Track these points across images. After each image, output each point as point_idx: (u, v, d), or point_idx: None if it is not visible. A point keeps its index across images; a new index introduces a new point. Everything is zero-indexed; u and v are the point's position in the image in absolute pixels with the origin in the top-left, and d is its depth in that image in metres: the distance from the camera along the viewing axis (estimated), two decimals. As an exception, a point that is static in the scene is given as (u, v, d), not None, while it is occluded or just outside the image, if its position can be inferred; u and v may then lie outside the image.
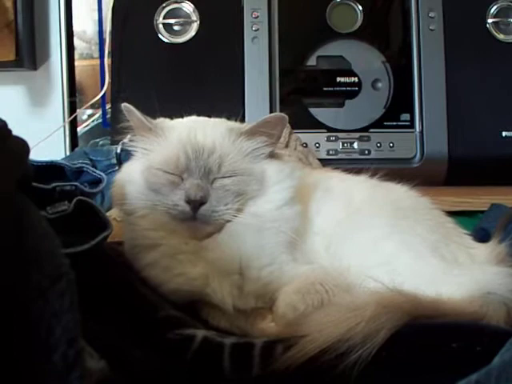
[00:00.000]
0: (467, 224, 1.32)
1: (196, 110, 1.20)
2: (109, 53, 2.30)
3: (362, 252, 1.07)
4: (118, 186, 1.13)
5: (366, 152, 2.09)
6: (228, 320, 1.06)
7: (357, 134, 2.10)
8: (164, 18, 2.17)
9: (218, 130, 1.10)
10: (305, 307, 0.99)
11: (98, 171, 1.21)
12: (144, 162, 1.10)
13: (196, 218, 1.03)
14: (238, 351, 0.87)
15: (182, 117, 1.19)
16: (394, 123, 2.11)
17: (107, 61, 2.32)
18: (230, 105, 1.91)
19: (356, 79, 2.13)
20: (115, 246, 1.14)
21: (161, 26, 2.16)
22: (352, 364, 0.80)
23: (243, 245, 1.05)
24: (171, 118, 1.18)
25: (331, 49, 2.15)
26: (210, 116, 1.18)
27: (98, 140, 2.48)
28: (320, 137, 2.09)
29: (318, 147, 2.08)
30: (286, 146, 1.84)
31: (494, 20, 2.14)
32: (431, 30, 2.12)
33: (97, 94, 2.37)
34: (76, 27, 2.50)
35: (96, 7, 2.48)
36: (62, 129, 2.44)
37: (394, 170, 1.24)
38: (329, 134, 2.10)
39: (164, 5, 2.17)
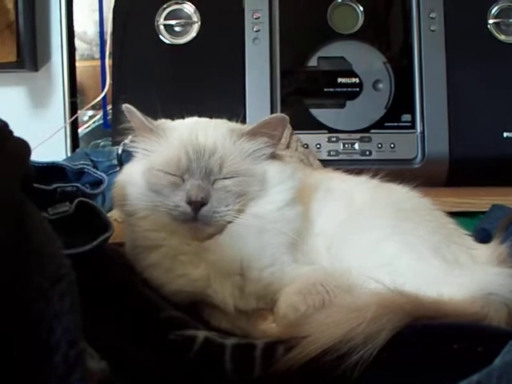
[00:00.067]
0: (468, 225, 1.32)
1: (197, 110, 1.20)
2: (110, 54, 2.31)
3: (364, 253, 1.07)
4: (119, 187, 1.13)
5: (367, 153, 2.09)
6: (229, 321, 1.06)
7: (358, 135, 2.10)
8: (165, 19, 2.17)
9: (219, 130, 1.10)
10: (306, 308, 0.99)
11: (99, 172, 1.21)
12: (145, 163, 1.10)
13: (197, 218, 1.03)
14: (240, 352, 0.87)
15: (183, 118, 1.19)
16: (395, 124, 2.11)
17: (108, 62, 2.33)
18: (230, 106, 1.91)
19: (357, 80, 2.13)
20: (116, 247, 1.14)
21: (162, 26, 2.16)
22: (353, 365, 0.80)
23: (244, 246, 1.05)
24: (172, 118, 1.18)
25: (332, 50, 2.15)
26: (211, 117, 1.18)
27: (99, 141, 2.49)
28: (321, 138, 2.09)
29: (318, 148, 2.08)
30: (287, 146, 1.84)
31: (494, 21, 2.14)
32: (432, 30, 2.11)
33: (98, 95, 2.37)
34: (77, 28, 2.50)
35: (97, 8, 2.48)
36: (63, 130, 2.44)
37: (395, 171, 1.24)
38: (330, 134, 2.10)
39: (165, 6, 2.17)
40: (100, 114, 2.52)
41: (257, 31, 2.12)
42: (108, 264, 1.03)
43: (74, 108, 2.50)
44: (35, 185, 0.97)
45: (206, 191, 1.03)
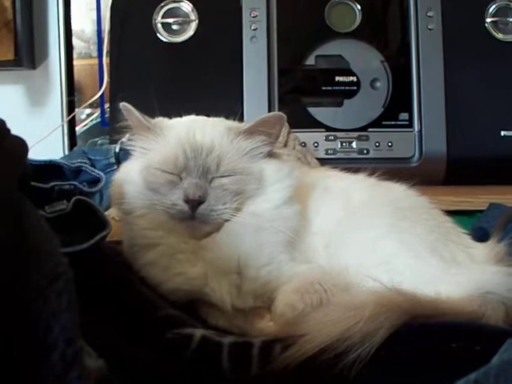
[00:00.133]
0: (466, 223, 1.32)
1: (194, 109, 1.20)
2: (107, 52, 2.31)
3: (361, 251, 1.07)
4: (116, 185, 1.13)
5: (365, 151, 2.09)
6: (227, 319, 1.06)
7: (355, 134, 2.10)
8: (162, 18, 2.17)
9: (217, 129, 1.10)
10: (303, 306, 0.99)
11: (96, 170, 1.20)
12: (142, 162, 1.10)
13: (194, 217, 1.03)
14: (237, 350, 0.87)
15: (180, 116, 1.19)
16: (393, 122, 2.11)
17: (106, 60, 2.33)
18: (228, 104, 1.91)
19: (355, 78, 2.13)
20: (114, 246, 1.14)
21: (159, 25, 2.17)
22: (350, 363, 0.80)
23: (242, 244, 1.05)
24: (170, 117, 1.18)
25: (330, 48, 2.15)
26: (208, 115, 1.18)
27: (96, 139, 2.49)
28: (318, 136, 2.10)
29: (316, 146, 2.09)
30: (285, 145, 1.84)
31: (492, 19, 2.14)
32: (430, 29, 2.12)
33: (95, 94, 2.37)
34: (74, 26, 2.51)
35: (94, 6, 2.48)
36: (61, 128, 2.44)
37: (393, 170, 1.23)
38: (327, 133, 2.10)
39: (162, 4, 2.18)
40: (97, 113, 2.52)
41: (254, 29, 2.12)
42: (105, 262, 1.03)
43: (71, 106, 2.50)
44: (32, 183, 0.97)
45: (204, 189, 1.03)
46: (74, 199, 0.98)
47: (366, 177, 1.26)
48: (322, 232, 1.13)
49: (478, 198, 1.76)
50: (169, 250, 1.06)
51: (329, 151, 2.09)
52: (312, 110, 2.11)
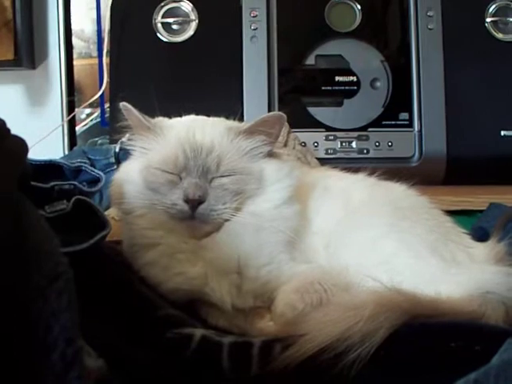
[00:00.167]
0: (466, 223, 1.32)
1: (194, 109, 1.20)
2: (107, 52, 2.31)
3: (361, 251, 1.07)
4: (116, 185, 1.13)
5: (365, 151, 2.09)
6: (227, 319, 1.06)
7: (355, 133, 2.11)
8: (162, 17, 2.17)
9: (217, 129, 1.10)
10: (303, 306, 0.99)
11: (96, 170, 1.20)
12: (142, 161, 1.10)
13: (194, 217, 1.03)
14: (237, 350, 0.87)
15: (180, 116, 1.19)
16: (393, 122, 2.11)
17: (106, 60, 2.33)
18: (228, 104, 1.90)
19: (354, 78, 2.13)
20: (114, 245, 1.14)
21: (159, 25, 2.17)
22: (350, 363, 0.80)
23: (242, 244, 1.05)
24: (170, 117, 1.18)
25: (330, 48, 2.15)
26: (208, 115, 1.18)
27: (96, 139, 2.49)
28: (318, 136, 2.10)
29: (316, 146, 2.09)
30: (285, 145, 1.84)
31: (492, 19, 2.14)
32: (430, 29, 2.12)
33: (95, 93, 2.37)
34: (74, 26, 2.51)
35: (94, 6, 2.48)
36: (61, 128, 2.44)
37: (393, 170, 1.23)
38: (327, 133, 2.10)
39: (162, 4, 2.18)
40: (97, 112, 2.52)
41: (254, 29, 2.12)
42: (105, 262, 1.03)
43: (71, 106, 2.51)
44: (32, 183, 0.97)
45: (204, 189, 1.03)
46: (73, 199, 0.99)
47: (365, 176, 1.26)
48: (322, 232, 1.13)
49: (477, 198, 1.76)
50: (169, 250, 1.06)
51: (329, 151, 2.09)
52: (312, 110, 2.12)
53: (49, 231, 0.70)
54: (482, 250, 1.16)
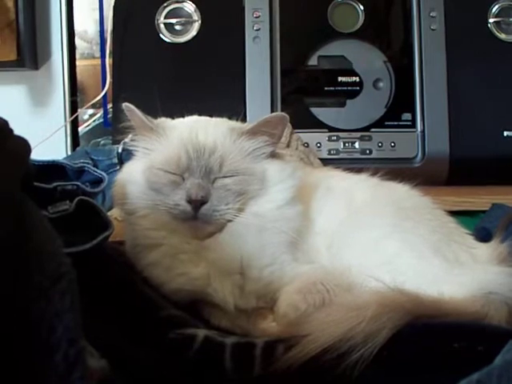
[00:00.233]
0: (469, 224, 1.31)
1: (197, 109, 1.20)
2: (110, 52, 2.31)
3: (364, 252, 1.07)
4: (119, 185, 1.13)
5: (368, 152, 2.09)
6: (229, 320, 1.06)
7: (358, 134, 2.10)
8: (165, 18, 2.17)
9: (220, 129, 1.10)
10: (306, 307, 0.99)
11: (99, 171, 1.20)
12: (145, 162, 1.10)
13: (197, 217, 1.03)
14: (240, 351, 0.87)
15: (183, 116, 1.19)
16: (396, 123, 2.11)
17: (108, 60, 2.33)
18: (231, 104, 1.91)
19: (357, 79, 2.13)
20: (116, 246, 1.14)
21: (162, 25, 2.16)
22: (353, 364, 0.80)
23: (244, 244, 1.05)
24: (172, 117, 1.18)
25: (332, 48, 2.15)
26: (211, 116, 1.18)
27: (99, 140, 2.49)
28: (321, 136, 2.10)
29: (319, 147, 2.08)
30: (288, 145, 1.84)
31: (495, 20, 2.14)
32: (432, 29, 2.12)
33: (98, 94, 2.37)
34: (77, 27, 2.50)
35: (97, 7, 2.48)
36: (64, 128, 2.44)
37: (396, 170, 1.23)
38: (330, 133, 2.10)
39: (165, 4, 2.18)
40: (100, 113, 2.52)
41: (257, 30, 2.12)
42: (108, 263, 1.03)
43: (74, 107, 2.50)
44: (35, 183, 0.97)
45: (206, 190, 1.03)
46: (76, 199, 0.99)
47: (368, 177, 1.26)
48: (325, 232, 1.13)
49: (480, 199, 1.76)
50: (171, 251, 1.06)
51: (331, 151, 2.09)
52: (315, 111, 2.11)
53: (52, 232, 0.70)
54: (484, 250, 1.16)
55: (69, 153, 2.43)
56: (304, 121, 2.07)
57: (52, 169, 1.13)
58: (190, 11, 2.17)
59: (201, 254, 1.05)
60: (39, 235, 0.68)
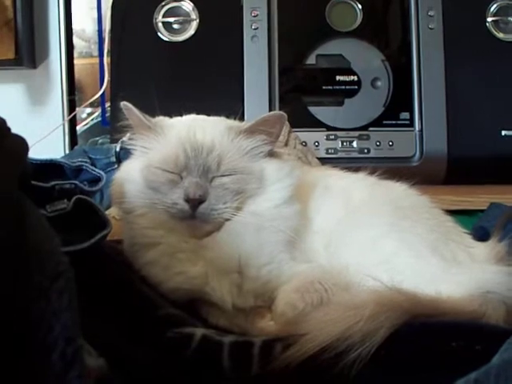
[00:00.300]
0: (467, 223, 1.32)
1: (195, 108, 1.20)
2: (108, 51, 2.31)
3: (362, 251, 1.07)
4: (117, 184, 1.13)
5: (366, 151, 2.09)
6: (227, 318, 1.06)
7: (356, 133, 2.10)
8: (163, 17, 2.17)
9: (217, 128, 1.10)
10: (304, 306, 0.99)
11: (97, 169, 1.20)
12: (143, 161, 1.10)
13: (195, 216, 1.03)
14: (237, 350, 0.87)
15: (181, 115, 1.19)
16: (394, 122, 2.11)
17: (106, 59, 2.33)
18: (229, 103, 1.90)
19: (355, 78, 2.13)
20: (114, 245, 1.14)
21: (160, 24, 2.17)
22: (351, 363, 0.80)
23: (242, 243, 1.05)
24: (170, 116, 1.18)
25: (330, 47, 2.15)
26: (209, 114, 1.18)
27: (97, 138, 2.49)
28: (319, 135, 2.10)
29: (317, 146, 2.09)
30: (286, 144, 1.84)
31: (493, 19, 2.14)
32: (431, 28, 2.12)
33: (96, 93, 2.37)
34: (75, 26, 2.51)
35: (95, 6, 2.48)
36: (62, 127, 2.45)
37: (394, 169, 1.23)
38: (328, 132, 2.10)
39: (163, 3, 2.18)
40: (98, 112, 2.52)
41: (255, 29, 2.12)
42: (106, 261, 1.03)
43: (72, 105, 2.51)
44: (33, 182, 0.97)
45: (204, 189, 1.03)
46: (74, 198, 0.99)
47: (366, 176, 1.26)
48: (323, 231, 1.13)
49: (478, 198, 1.77)
50: (169, 249, 1.06)
51: (329, 150, 2.09)
52: (313, 110, 2.11)
53: (49, 230, 0.70)
54: (482, 249, 1.16)
55: (67, 151, 2.43)
56: (302, 120, 2.07)
57: (50, 168, 1.13)
58: (188, 10, 2.17)
59: (199, 252, 1.05)
60: (37, 234, 0.68)
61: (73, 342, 0.61)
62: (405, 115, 2.11)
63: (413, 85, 2.11)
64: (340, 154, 2.10)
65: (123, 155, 1.62)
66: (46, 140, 2.13)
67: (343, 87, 2.13)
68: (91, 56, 2.52)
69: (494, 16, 2.14)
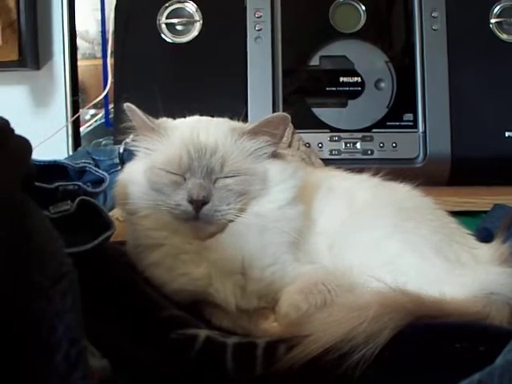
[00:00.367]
0: (470, 224, 1.31)
1: (199, 109, 1.20)
2: (111, 53, 2.31)
3: (365, 252, 1.07)
4: (120, 185, 1.13)
5: (369, 152, 2.09)
6: (231, 320, 1.06)
7: (360, 134, 2.10)
8: (167, 18, 2.17)
9: (221, 129, 1.10)
10: (307, 307, 0.99)
11: (100, 171, 1.21)
12: (147, 162, 1.10)
13: (198, 217, 1.03)
14: (241, 351, 0.87)
15: (184, 116, 1.19)
16: (397, 123, 2.11)
17: (110, 61, 2.34)
18: (232, 104, 1.90)
19: (359, 79, 2.13)
20: (118, 246, 1.14)
21: (163, 25, 2.16)
22: (355, 364, 0.80)
23: (246, 245, 1.05)
24: (174, 117, 1.18)
25: (334, 49, 2.14)
26: (212, 116, 1.18)
27: (100, 140, 2.49)
28: (323, 137, 2.09)
29: (320, 147, 2.08)
30: (289, 145, 1.84)
31: (497, 20, 2.13)
32: (434, 29, 2.11)
33: (99, 94, 2.37)
34: (79, 27, 2.51)
35: (99, 7, 2.48)
36: (65, 128, 2.44)
37: (397, 170, 1.23)
38: (332, 133, 2.10)
39: (167, 4, 2.17)
40: (102, 113, 2.52)
41: (259, 30, 2.12)
42: (109, 263, 1.03)
43: (75, 107, 2.51)
44: (37, 183, 0.97)
45: (208, 190, 1.03)
46: (78, 199, 0.99)
47: (370, 177, 1.26)
48: (326, 232, 1.13)
49: (482, 199, 1.76)
50: (173, 251, 1.06)
51: (333, 152, 2.09)
52: (316, 111, 2.11)
53: (53, 232, 0.70)
54: (486, 250, 1.16)
55: (70, 153, 2.43)
56: (305, 121, 2.07)
57: (53, 169, 1.13)
58: (191, 11, 2.17)
59: (202, 254, 1.05)
60: (40, 235, 0.68)
61: (77, 343, 0.61)
62: (408, 116, 2.10)
63: (416, 86, 2.11)
64: (343, 156, 2.09)
65: (127, 156, 1.62)
66: (49, 141, 2.13)
67: (347, 88, 2.13)
68: (95, 57, 2.52)
69: (497, 17, 2.13)
